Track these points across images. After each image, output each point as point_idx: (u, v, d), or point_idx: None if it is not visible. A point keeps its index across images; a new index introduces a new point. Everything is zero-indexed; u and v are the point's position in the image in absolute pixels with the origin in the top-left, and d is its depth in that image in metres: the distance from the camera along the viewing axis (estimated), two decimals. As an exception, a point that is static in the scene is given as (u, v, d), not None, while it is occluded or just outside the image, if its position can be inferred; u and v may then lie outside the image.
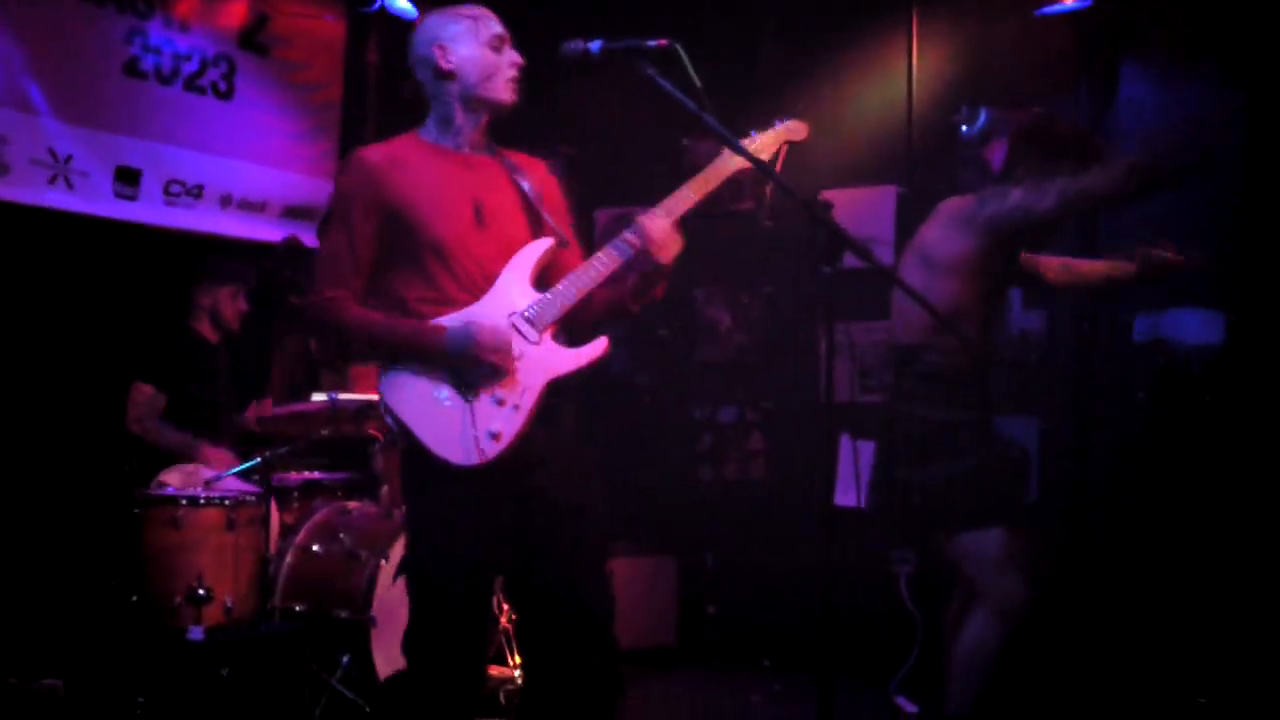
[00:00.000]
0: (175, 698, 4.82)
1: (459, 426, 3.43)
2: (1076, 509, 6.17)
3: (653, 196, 7.56)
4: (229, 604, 5.08)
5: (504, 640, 5.95)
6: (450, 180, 3.63)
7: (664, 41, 3.32)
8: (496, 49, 3.66)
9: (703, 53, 3.42)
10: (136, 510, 5.10)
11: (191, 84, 6.47)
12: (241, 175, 6.72)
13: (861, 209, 6.87)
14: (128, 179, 6.21)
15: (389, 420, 3.47)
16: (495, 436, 3.44)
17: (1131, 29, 6.40)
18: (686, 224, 7.56)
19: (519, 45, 3.73)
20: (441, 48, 3.63)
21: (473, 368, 3.46)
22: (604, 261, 3.65)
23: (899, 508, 4.56)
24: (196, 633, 4.88)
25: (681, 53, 3.30)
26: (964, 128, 6.75)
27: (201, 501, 5.14)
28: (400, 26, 7.28)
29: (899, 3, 6.91)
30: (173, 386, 5.82)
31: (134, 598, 5.05)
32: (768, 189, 7.14)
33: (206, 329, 6.04)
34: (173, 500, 5.12)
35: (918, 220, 6.24)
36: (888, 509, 4.62)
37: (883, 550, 6.20)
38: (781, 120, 3.92)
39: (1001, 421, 6.24)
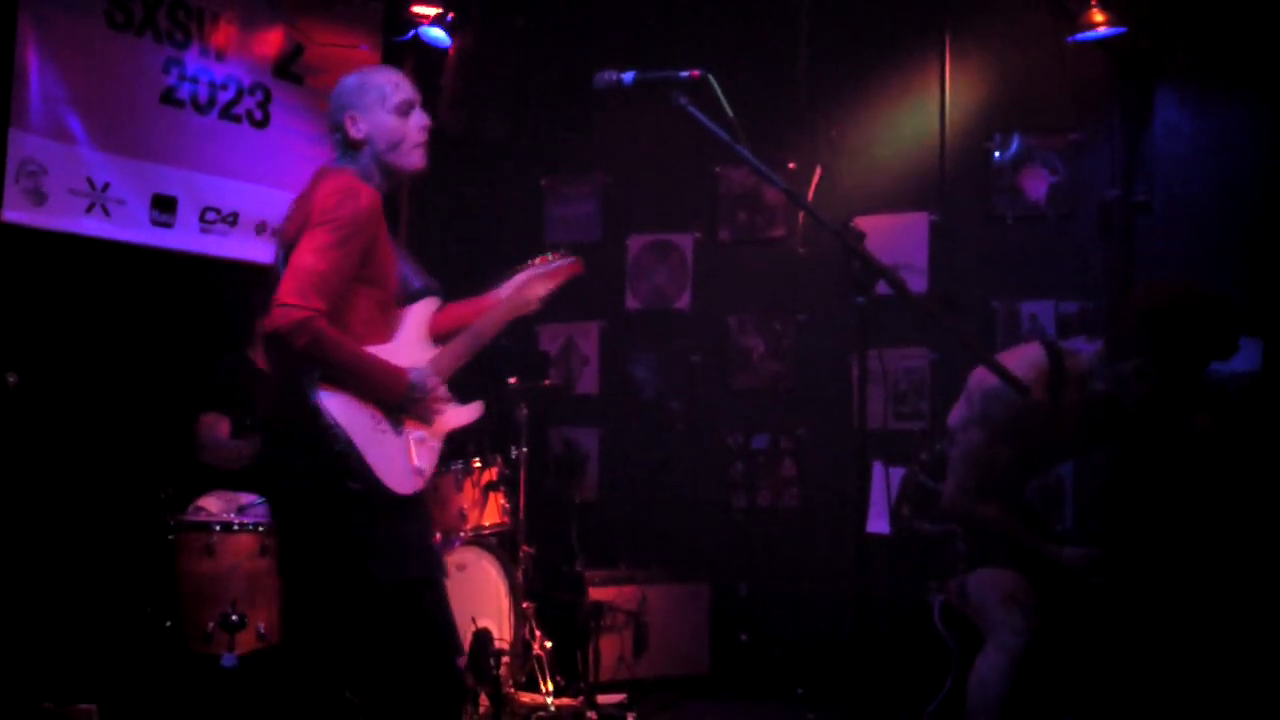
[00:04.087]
0: (208, 724, 4.84)
1: (399, 456, 3.66)
2: (1110, 537, 6.12)
3: (685, 223, 7.63)
4: (262, 630, 5.09)
5: (536, 666, 5.95)
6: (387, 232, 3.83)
7: (696, 72, 3.33)
8: (404, 115, 3.78)
9: (737, 81, 3.43)
10: (171, 536, 5.12)
11: (227, 113, 6.52)
12: (276, 203, 6.75)
13: (894, 235, 6.86)
14: (164, 207, 6.26)
15: (333, 432, 3.52)
16: (420, 472, 3.72)
17: (1165, 54, 6.38)
18: (721, 252, 7.60)
19: (555, 73, 3.75)
20: (351, 117, 3.77)
21: (414, 413, 3.73)
22: (473, 347, 3.94)
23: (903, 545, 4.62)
24: (230, 659, 4.89)
25: (714, 83, 3.30)
26: (997, 154, 6.77)
27: (235, 527, 5.16)
28: (435, 56, 7.33)
29: (931, 29, 6.92)
30: (229, 410, 5.81)
31: (168, 623, 5.07)
32: (800, 216, 7.17)
33: (260, 357, 6.02)
34: (206, 526, 5.15)
35: (949, 247, 6.23)
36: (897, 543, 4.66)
37: (916, 578, 6.17)
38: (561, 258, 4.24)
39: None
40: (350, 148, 3.78)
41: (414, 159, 3.80)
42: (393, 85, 3.79)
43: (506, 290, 4.10)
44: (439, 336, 3.96)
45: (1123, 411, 4.31)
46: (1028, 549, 4.34)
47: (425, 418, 3.77)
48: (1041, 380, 4.24)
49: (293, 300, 3.48)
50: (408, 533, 3.69)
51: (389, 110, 3.76)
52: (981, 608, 4.43)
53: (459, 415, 3.93)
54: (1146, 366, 4.13)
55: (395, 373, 3.65)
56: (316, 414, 3.52)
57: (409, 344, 3.82)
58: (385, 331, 3.76)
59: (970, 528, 4.42)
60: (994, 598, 4.37)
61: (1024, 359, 4.28)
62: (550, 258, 4.21)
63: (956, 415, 4.50)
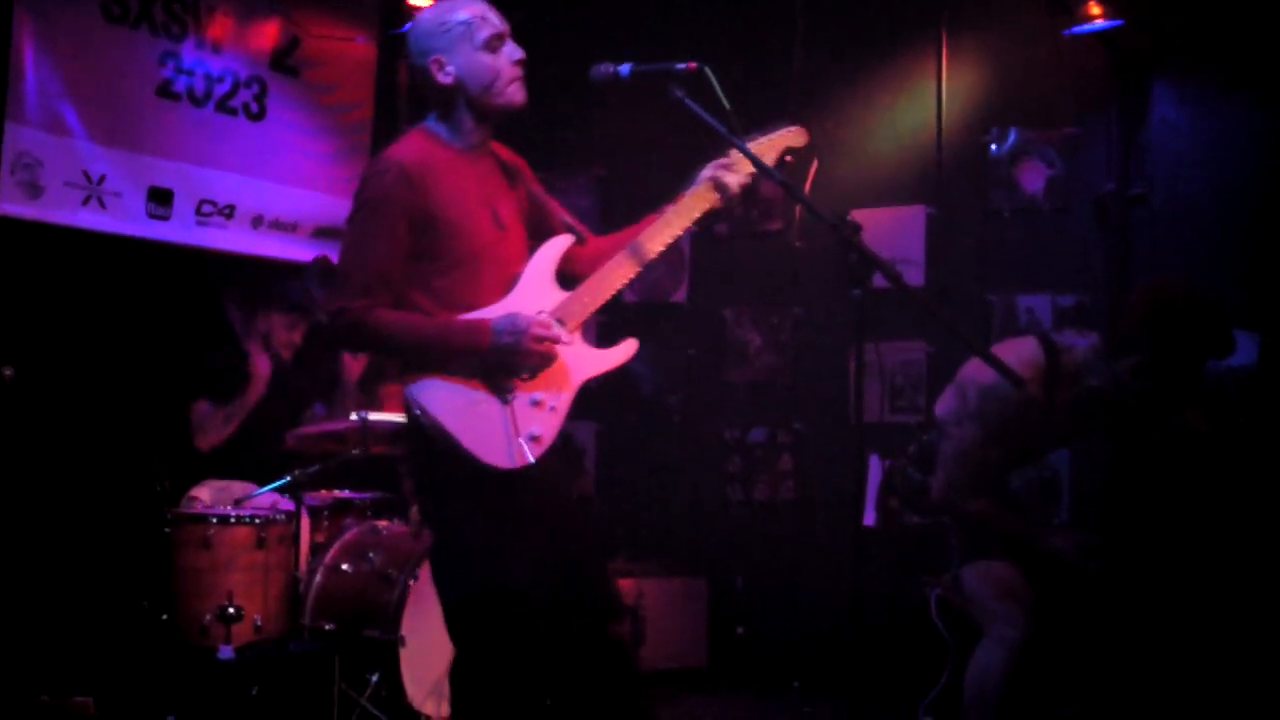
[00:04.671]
0: (205, 716, 4.83)
1: (499, 429, 3.35)
2: (1107, 531, 6.13)
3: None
4: (259, 623, 5.09)
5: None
6: (472, 186, 3.53)
7: (693, 65, 3.33)
8: (494, 50, 3.48)
9: (733, 73, 3.42)
10: (167, 529, 5.12)
11: (223, 105, 6.52)
12: (273, 196, 6.76)
13: (891, 229, 6.86)
14: (160, 199, 6.25)
15: (423, 422, 3.33)
16: (536, 439, 3.38)
17: (1163, 49, 6.38)
18: (717, 245, 7.58)
19: (551, 67, 3.69)
20: (437, 61, 3.47)
21: (517, 361, 3.36)
22: (631, 264, 3.55)
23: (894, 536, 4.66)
24: (226, 651, 4.88)
25: (710, 75, 3.30)
26: (993, 147, 6.76)
27: (232, 520, 5.16)
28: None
29: (928, 23, 6.91)
30: (221, 400, 5.82)
31: (164, 616, 5.07)
32: (797, 209, 7.17)
33: (260, 359, 6.02)
34: (203, 519, 5.14)
35: (946, 240, 6.19)
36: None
37: (914, 572, 6.18)
38: (786, 125, 3.79)
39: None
40: (440, 96, 3.51)
41: (510, 94, 3.50)
42: (479, 18, 3.47)
43: (689, 190, 3.61)
44: (582, 275, 3.57)
45: (1118, 408, 4.32)
46: (1021, 540, 4.34)
47: (527, 367, 3.38)
48: (1038, 378, 4.24)
49: (334, 308, 3.39)
50: (494, 537, 3.37)
51: (477, 47, 3.45)
52: (977, 601, 4.44)
53: (597, 360, 3.53)
54: (1145, 365, 4.15)
55: (471, 327, 3.35)
56: (408, 404, 3.36)
57: (528, 295, 3.49)
58: (490, 291, 3.47)
59: (961, 523, 4.43)
60: (990, 591, 4.38)
61: (1020, 355, 4.26)
62: (767, 138, 3.70)
63: (946, 407, 4.50)
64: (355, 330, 3.38)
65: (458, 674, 3.56)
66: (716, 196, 3.60)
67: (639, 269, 3.55)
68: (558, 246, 3.61)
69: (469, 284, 3.48)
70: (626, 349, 3.55)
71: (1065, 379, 4.28)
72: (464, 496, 3.40)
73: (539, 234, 3.67)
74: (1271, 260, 5.98)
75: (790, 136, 3.78)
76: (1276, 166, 6.09)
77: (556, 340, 3.39)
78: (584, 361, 3.51)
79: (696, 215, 3.60)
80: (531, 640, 3.46)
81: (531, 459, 3.35)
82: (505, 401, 3.38)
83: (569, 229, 3.66)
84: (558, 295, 3.53)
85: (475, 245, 3.48)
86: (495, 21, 3.51)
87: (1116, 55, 6.43)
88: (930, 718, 5.32)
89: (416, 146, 3.53)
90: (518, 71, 3.52)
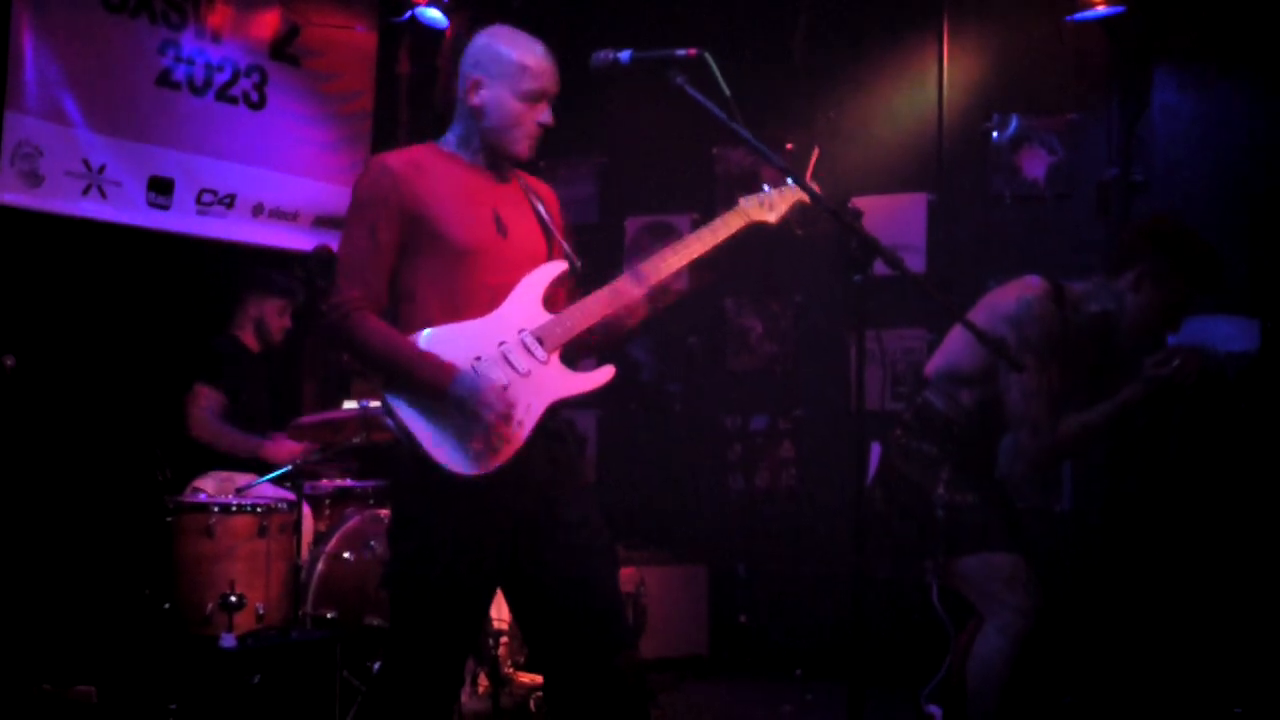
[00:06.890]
0: (207, 705, 4.84)
1: (461, 436, 3.36)
2: (1110, 518, 6.13)
3: (683, 205, 7.61)
4: (261, 611, 5.09)
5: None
6: (471, 188, 3.57)
7: (693, 51, 3.31)
8: (529, 104, 3.57)
9: (735, 61, 3.41)
10: (169, 518, 5.12)
11: (223, 94, 6.52)
12: (273, 185, 6.76)
13: (893, 216, 6.85)
14: (161, 188, 6.25)
15: (390, 422, 3.38)
16: (495, 451, 3.38)
17: (1164, 35, 6.37)
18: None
19: (557, 55, 3.66)
20: (477, 83, 3.54)
21: (469, 415, 3.35)
22: (620, 292, 3.61)
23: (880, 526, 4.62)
24: (228, 640, 4.89)
25: (711, 62, 3.29)
26: (995, 134, 6.76)
27: (234, 509, 5.16)
28: (432, 36, 7.31)
29: (930, 9, 6.90)
30: (227, 389, 5.83)
31: (166, 605, 5.07)
32: (798, 197, 7.16)
33: (249, 338, 6.03)
34: (205, 508, 5.14)
35: (947, 227, 6.16)
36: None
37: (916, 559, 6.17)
38: (790, 183, 3.91)
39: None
40: (461, 109, 3.60)
41: (520, 148, 3.60)
42: (535, 71, 3.54)
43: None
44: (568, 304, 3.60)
45: (1114, 329, 4.36)
46: (1128, 408, 4.29)
47: (477, 416, 3.34)
48: (1047, 295, 4.32)
49: (329, 304, 3.41)
50: (439, 538, 3.39)
51: (518, 93, 3.54)
52: (981, 590, 4.41)
53: (571, 382, 3.52)
54: (1143, 275, 4.26)
55: (438, 368, 3.35)
56: (384, 407, 3.38)
57: (513, 312, 3.50)
58: (481, 296, 3.48)
59: (1062, 459, 4.40)
60: (996, 580, 4.35)
61: (1025, 283, 4.39)
62: (767, 192, 3.92)
63: (951, 360, 4.50)
64: (338, 329, 3.42)
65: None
66: (742, 222, 3.83)
67: (638, 294, 3.62)
68: (552, 270, 3.63)
69: (463, 281, 3.49)
70: (602, 375, 3.56)
71: (1069, 305, 4.33)
72: (424, 495, 3.42)
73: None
74: (1270, 245, 5.98)
75: (797, 193, 3.97)
76: (1276, 151, 6.09)
77: (507, 417, 3.38)
78: (557, 382, 3.51)
79: (722, 237, 3.80)
80: (469, 624, 3.50)
81: (489, 469, 3.35)
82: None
83: (567, 258, 3.68)
84: (542, 316, 3.54)
85: (469, 241, 3.50)
86: (546, 80, 3.58)
87: (1117, 41, 6.42)
88: (932, 704, 5.32)
89: (412, 151, 3.60)
90: (537, 132, 3.61)
